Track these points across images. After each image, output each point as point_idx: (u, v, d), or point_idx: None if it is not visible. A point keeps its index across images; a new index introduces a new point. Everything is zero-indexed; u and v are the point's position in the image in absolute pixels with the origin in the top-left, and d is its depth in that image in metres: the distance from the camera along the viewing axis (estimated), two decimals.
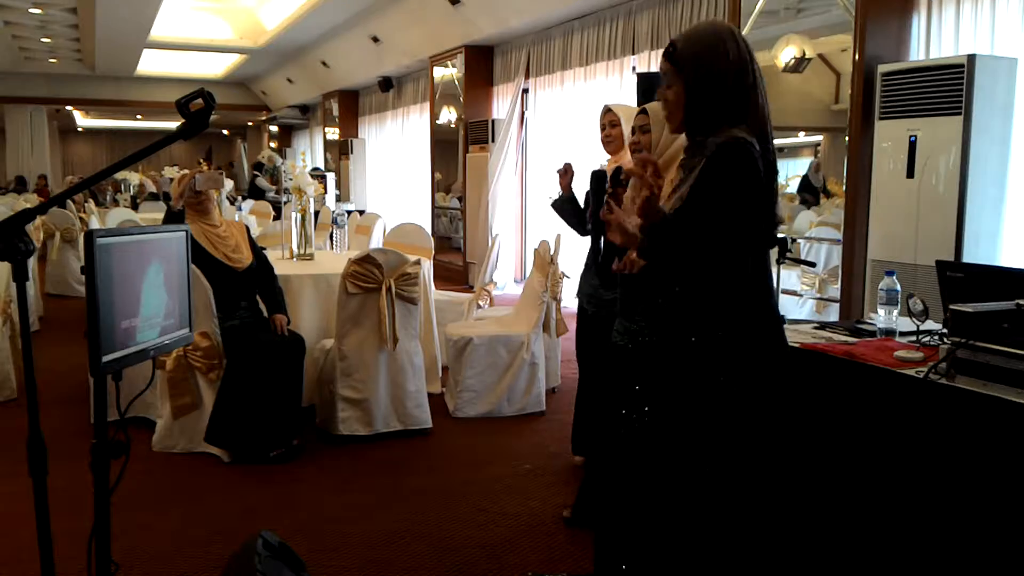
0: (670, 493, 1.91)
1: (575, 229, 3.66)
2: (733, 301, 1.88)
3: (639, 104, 5.46)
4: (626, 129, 3.40)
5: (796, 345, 2.53)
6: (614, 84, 7.47)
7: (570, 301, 4.36)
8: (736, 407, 1.87)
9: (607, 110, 3.41)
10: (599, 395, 3.41)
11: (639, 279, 2.68)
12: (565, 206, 3.61)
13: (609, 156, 3.47)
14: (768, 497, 1.96)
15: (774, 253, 3.73)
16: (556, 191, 3.66)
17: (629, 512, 1.99)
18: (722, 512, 1.90)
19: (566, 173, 3.58)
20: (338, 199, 13.33)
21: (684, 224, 1.81)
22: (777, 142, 1.93)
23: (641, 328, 1.97)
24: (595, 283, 3.49)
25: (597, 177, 3.52)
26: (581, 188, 3.62)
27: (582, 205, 3.63)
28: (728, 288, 1.88)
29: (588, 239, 3.57)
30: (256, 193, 12.52)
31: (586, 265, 3.59)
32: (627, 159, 3.39)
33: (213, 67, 17.04)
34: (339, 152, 14.97)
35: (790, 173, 5.53)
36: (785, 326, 2.94)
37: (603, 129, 3.41)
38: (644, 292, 2.61)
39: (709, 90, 1.84)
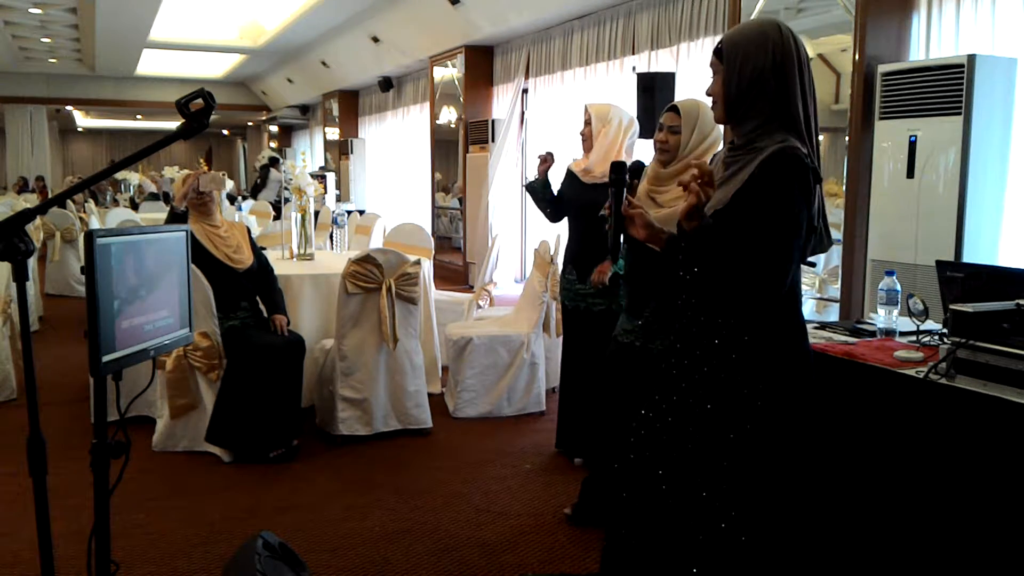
0: (696, 495, 1.87)
1: (544, 213, 3.73)
2: (765, 309, 1.83)
3: (639, 103, 5.48)
4: (595, 127, 3.42)
5: None
6: (614, 84, 7.46)
7: None
8: (762, 411, 1.82)
9: (585, 109, 3.44)
10: (588, 391, 3.42)
11: (647, 278, 2.67)
12: (539, 190, 3.67)
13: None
14: (793, 500, 1.93)
15: None
16: (533, 174, 3.75)
17: (649, 513, 1.94)
18: (747, 513, 1.85)
19: (546, 160, 3.66)
20: (338, 199, 13.33)
21: (724, 231, 1.76)
22: None
23: (650, 324, 1.92)
24: (571, 278, 3.53)
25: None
26: (557, 178, 3.68)
27: (555, 194, 3.67)
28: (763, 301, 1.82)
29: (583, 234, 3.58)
30: (264, 187, 12.71)
31: (564, 261, 3.63)
32: (593, 158, 3.43)
33: (213, 67, 17.03)
34: (339, 152, 14.96)
35: None
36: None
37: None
38: (656, 292, 2.60)
39: (745, 81, 1.83)
